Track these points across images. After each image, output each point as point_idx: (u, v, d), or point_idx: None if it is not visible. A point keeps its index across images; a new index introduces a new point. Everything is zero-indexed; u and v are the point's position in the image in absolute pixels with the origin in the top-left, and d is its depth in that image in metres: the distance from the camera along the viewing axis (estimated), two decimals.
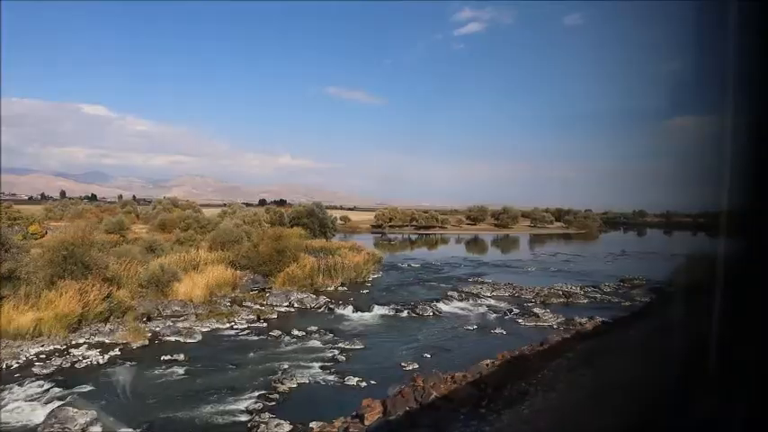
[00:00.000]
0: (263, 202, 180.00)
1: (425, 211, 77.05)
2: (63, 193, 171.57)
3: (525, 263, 37.08)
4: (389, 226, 72.91)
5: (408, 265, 34.37)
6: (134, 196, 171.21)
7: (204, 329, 18.80)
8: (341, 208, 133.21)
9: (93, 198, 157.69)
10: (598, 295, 24.91)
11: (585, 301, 23.72)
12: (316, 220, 52.85)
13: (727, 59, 1.91)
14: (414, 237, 69.13)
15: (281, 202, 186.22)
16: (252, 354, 15.95)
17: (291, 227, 53.81)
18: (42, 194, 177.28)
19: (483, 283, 27.37)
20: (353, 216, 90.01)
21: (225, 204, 69.57)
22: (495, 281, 27.90)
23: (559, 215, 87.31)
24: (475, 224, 77.89)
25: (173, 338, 17.65)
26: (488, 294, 24.74)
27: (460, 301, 23.50)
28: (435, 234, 71.75)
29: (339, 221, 77.42)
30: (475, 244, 63.15)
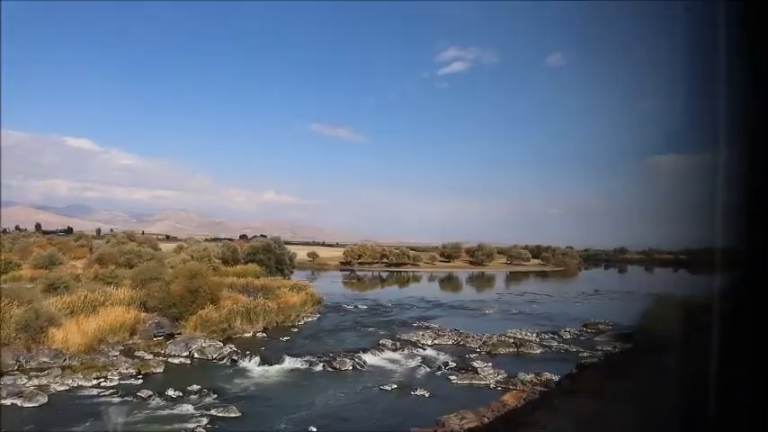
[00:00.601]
0: (243, 238, 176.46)
1: (397, 248, 73.79)
2: (38, 226, 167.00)
3: (486, 304, 33.69)
4: (359, 263, 69.40)
5: (355, 307, 30.91)
6: (111, 230, 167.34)
7: (61, 388, 15.27)
8: (323, 244, 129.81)
9: (69, 231, 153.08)
10: (555, 343, 21.64)
11: (539, 351, 20.42)
12: (272, 257, 49.53)
13: (717, 102, 1.92)
14: (384, 274, 65.73)
15: (263, 238, 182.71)
16: (91, 423, 12.41)
17: (246, 263, 50.69)
18: (17, 227, 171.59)
19: (428, 328, 24.04)
20: (329, 252, 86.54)
21: (182, 240, 66.10)
22: (442, 326, 24.58)
23: (538, 252, 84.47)
24: (449, 261, 74.60)
25: (9, 402, 14.07)
26: (429, 343, 21.40)
27: (394, 350, 20.13)
28: (407, 272, 68.40)
29: (307, 258, 74.06)
30: (448, 282, 59.99)
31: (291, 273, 51.53)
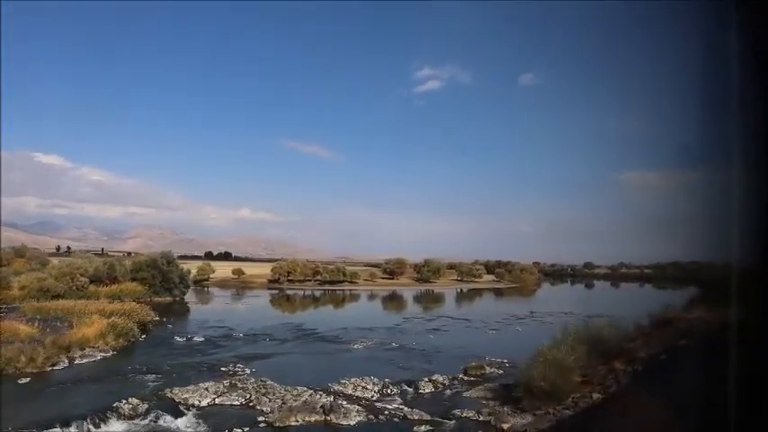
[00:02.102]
0: (209, 255, 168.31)
1: (331, 264, 66.16)
2: None
3: (372, 333, 25.98)
4: (288, 280, 61.55)
5: (187, 339, 23.27)
6: (68, 247, 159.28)
7: None
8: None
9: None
10: (396, 403, 14.18)
11: (356, 419, 12.94)
12: (158, 274, 41.71)
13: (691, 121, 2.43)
14: (318, 293, 58.05)
15: (227, 255, 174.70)
16: None
17: (131, 281, 42.83)
18: None
19: (232, 375, 16.65)
20: (262, 270, 78.44)
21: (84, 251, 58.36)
22: (261, 371, 17.18)
23: (498, 266, 77.38)
24: (392, 278, 67.10)
25: None
26: (204, 403, 13.90)
27: (130, 418, 12.67)
28: (344, 290, 60.84)
29: (232, 276, 66.20)
30: (389, 301, 52.69)
31: (184, 293, 43.77)
